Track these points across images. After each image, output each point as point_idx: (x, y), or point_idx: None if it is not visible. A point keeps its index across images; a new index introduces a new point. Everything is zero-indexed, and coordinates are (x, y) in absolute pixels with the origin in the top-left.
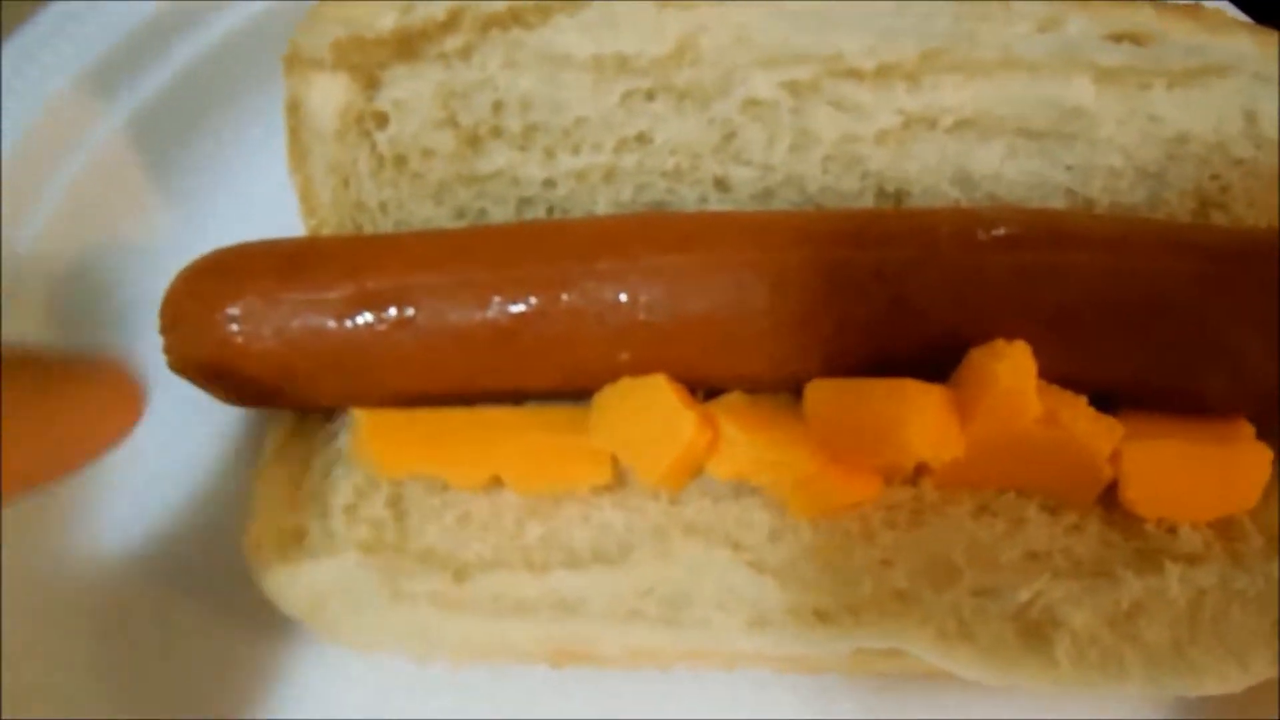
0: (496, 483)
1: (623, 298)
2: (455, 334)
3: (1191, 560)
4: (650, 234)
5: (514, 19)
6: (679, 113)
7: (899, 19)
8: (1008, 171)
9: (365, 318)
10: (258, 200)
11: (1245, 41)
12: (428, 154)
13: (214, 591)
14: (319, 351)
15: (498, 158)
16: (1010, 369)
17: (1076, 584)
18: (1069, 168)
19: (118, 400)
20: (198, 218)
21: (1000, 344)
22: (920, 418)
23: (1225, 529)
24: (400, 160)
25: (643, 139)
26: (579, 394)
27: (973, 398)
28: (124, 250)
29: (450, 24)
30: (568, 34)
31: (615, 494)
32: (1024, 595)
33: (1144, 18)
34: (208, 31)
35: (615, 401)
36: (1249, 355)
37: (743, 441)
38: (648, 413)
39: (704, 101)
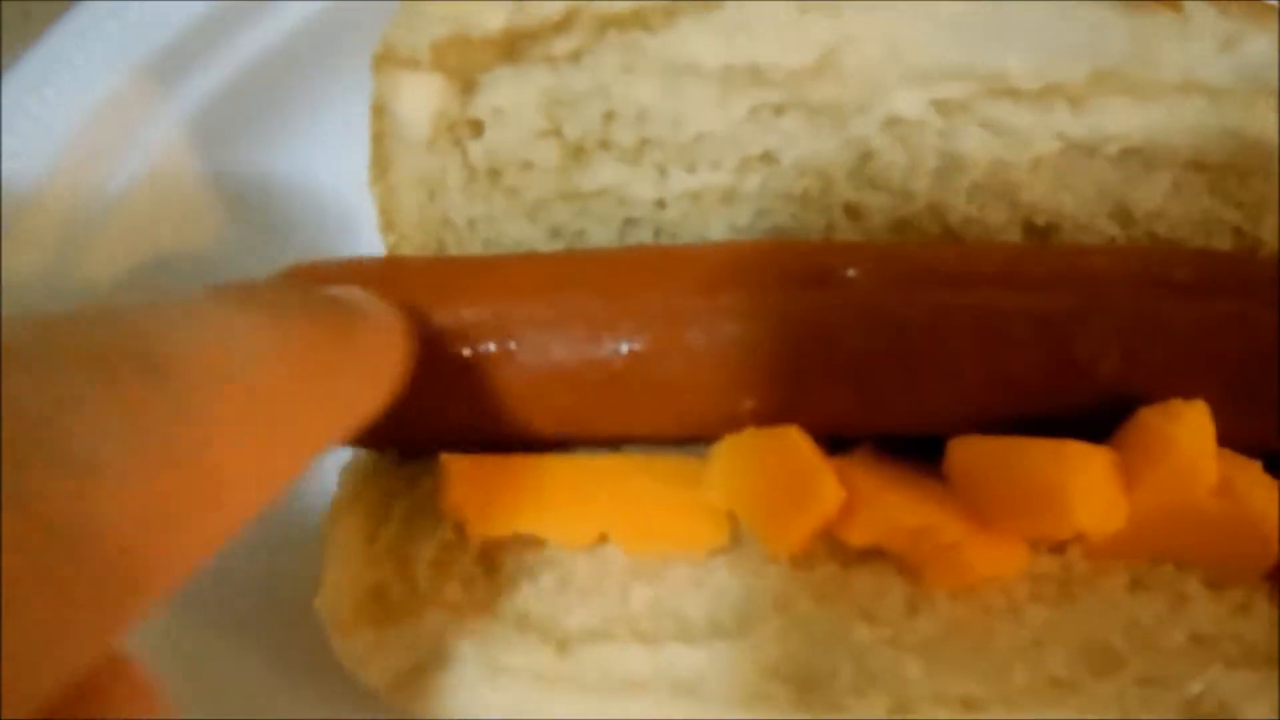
0: (600, 540)
1: (749, 337)
2: (559, 372)
3: None
4: (783, 265)
5: (636, 20)
6: (812, 130)
7: (1070, 33)
8: (1172, 208)
9: (458, 350)
10: (331, 214)
11: None
12: (526, 167)
13: (265, 641)
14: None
15: (604, 173)
16: (1188, 432)
17: (1252, 674)
18: (1240, 205)
19: (391, 345)
20: (264, 232)
21: (1177, 404)
22: (1084, 484)
23: None
24: (495, 173)
25: (768, 158)
26: (689, 442)
27: (1142, 462)
28: (184, 267)
29: (565, 23)
30: (695, 39)
31: (729, 555)
32: (1196, 687)
33: None
34: (276, 24)
35: (738, 454)
36: None
37: (879, 503)
38: (777, 470)
39: (841, 119)
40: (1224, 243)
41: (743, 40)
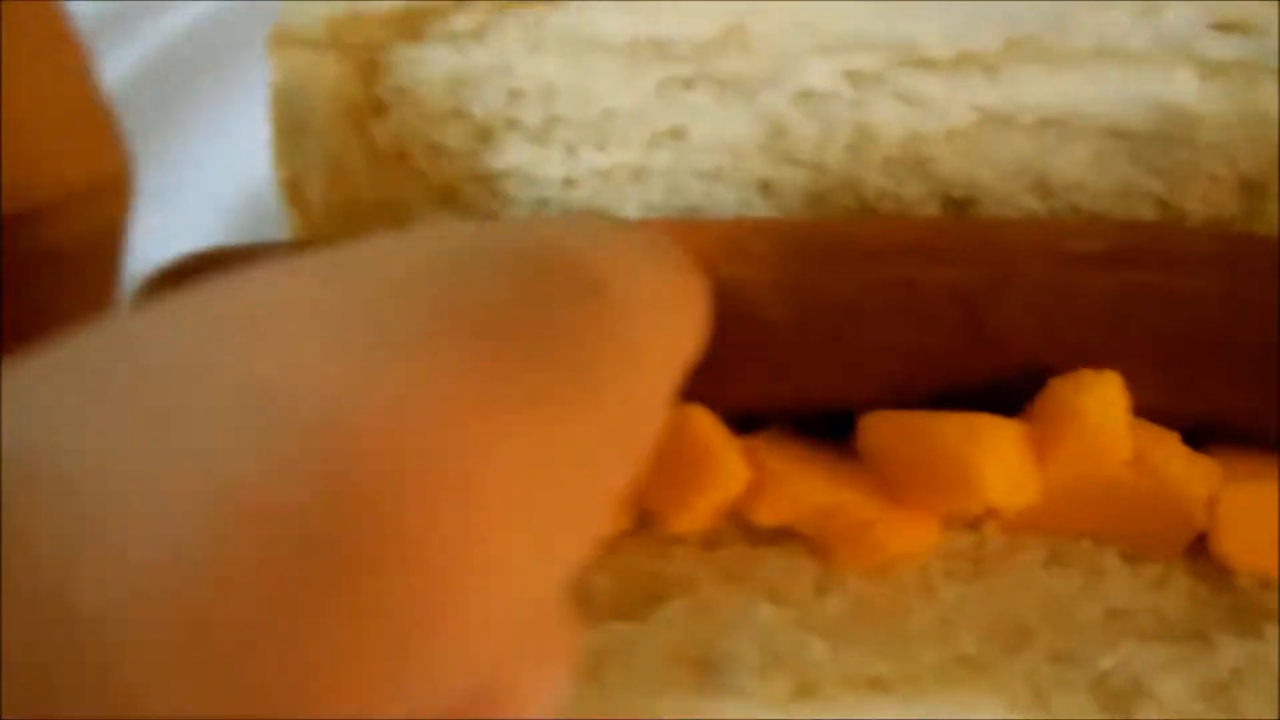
0: None
1: None
2: None
3: None
4: (693, 243)
5: None
6: (721, 105)
7: (985, 2)
8: (1093, 178)
9: None
10: (237, 198)
11: None
12: (433, 148)
13: None
14: None
15: (513, 153)
16: (1099, 403)
17: (1166, 649)
18: (1163, 173)
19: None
20: (166, 217)
21: (1088, 375)
22: (995, 458)
23: None
24: (401, 155)
25: (678, 134)
26: None
27: (1054, 435)
28: None
29: (464, 0)
30: (600, 13)
31: (636, 536)
32: (1107, 662)
33: (1254, 5)
34: (179, 12)
35: None
36: None
37: (792, 484)
38: (681, 449)
39: (751, 92)
40: (1148, 213)
41: (648, 12)
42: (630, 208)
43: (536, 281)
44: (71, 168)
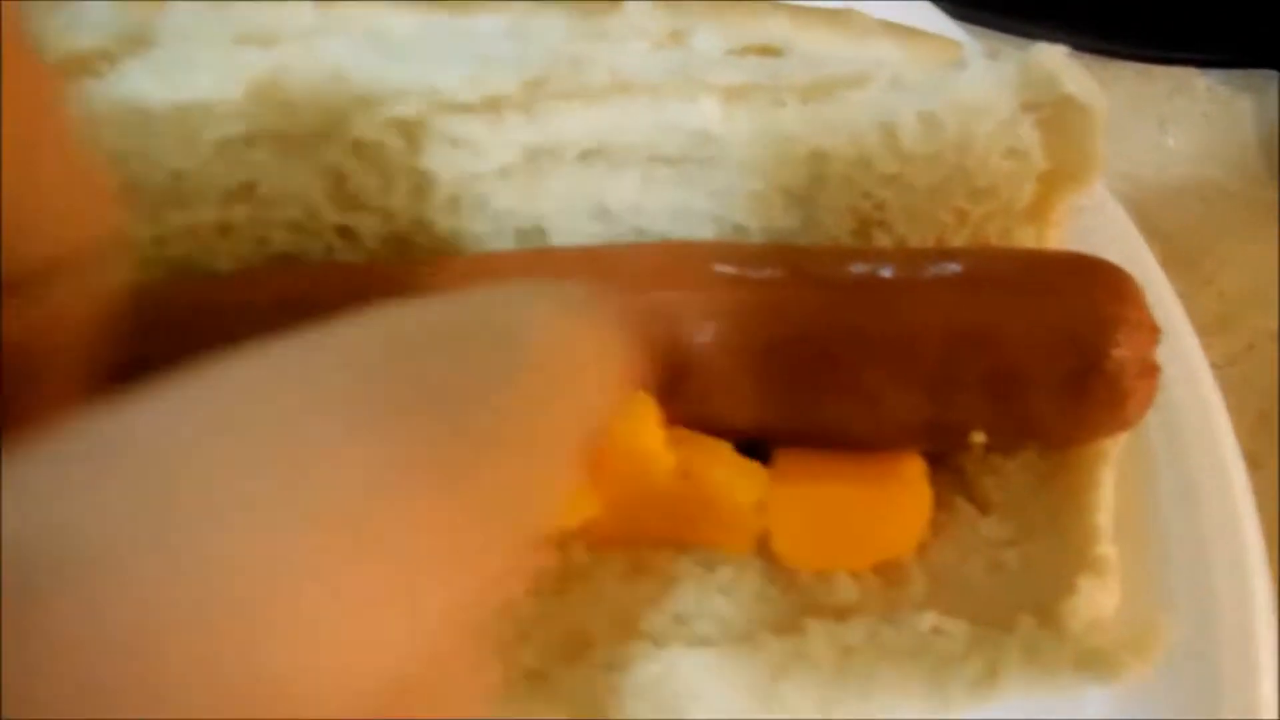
0: None
1: None
2: None
3: (841, 614)
4: (264, 292)
5: (80, 67)
6: (283, 160)
7: (501, 43)
8: (648, 202)
9: None
10: None
11: (888, 48)
12: None
13: None
14: None
15: None
16: (628, 424)
17: (714, 652)
18: (711, 194)
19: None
20: None
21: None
22: None
23: (888, 574)
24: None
25: (249, 189)
26: None
27: (599, 456)
28: None
29: None
30: (141, 80)
31: None
32: (655, 668)
33: (778, 28)
34: None
35: None
36: (883, 390)
37: None
38: None
39: (309, 147)
40: (707, 231)
41: (181, 76)
42: (225, 262)
43: (464, 360)
44: (68, 231)
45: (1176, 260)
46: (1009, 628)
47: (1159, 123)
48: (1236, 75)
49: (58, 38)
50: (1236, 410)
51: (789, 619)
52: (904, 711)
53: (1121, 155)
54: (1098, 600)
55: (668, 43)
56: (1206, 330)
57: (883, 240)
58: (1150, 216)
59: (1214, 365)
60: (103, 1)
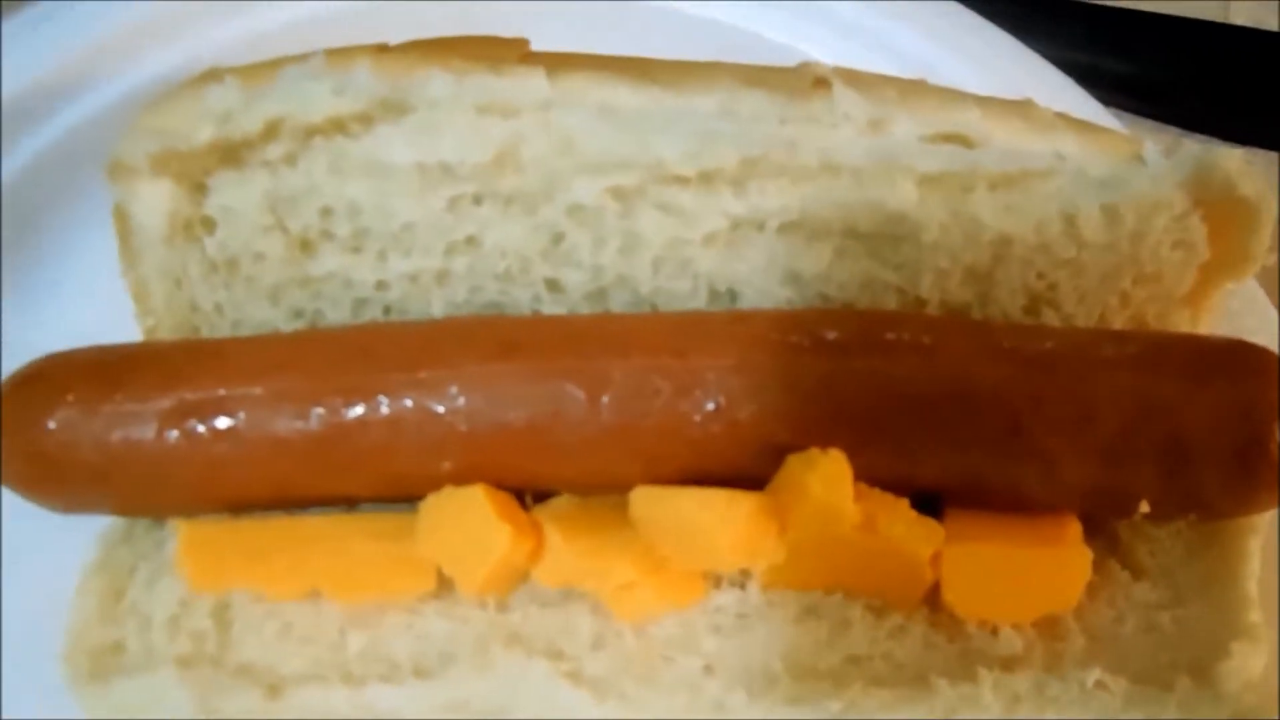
0: (320, 593)
1: (442, 407)
2: (275, 444)
3: (1008, 665)
4: (471, 342)
5: (336, 128)
6: (506, 217)
7: (721, 123)
8: (837, 272)
9: (183, 429)
10: (101, 302)
11: (1069, 141)
12: (258, 258)
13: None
14: (138, 463)
15: (329, 261)
16: (822, 477)
17: (890, 693)
18: (898, 268)
19: None
20: (36, 320)
21: (814, 452)
22: (729, 527)
23: (1048, 629)
24: (231, 264)
25: (472, 242)
26: (409, 500)
27: (789, 505)
28: None
29: (270, 133)
30: (390, 142)
31: (442, 602)
32: (835, 705)
33: (970, 118)
34: (49, 127)
35: (438, 510)
36: (1061, 456)
37: (566, 549)
38: (466, 523)
39: (531, 206)
40: (890, 302)
41: (428, 141)
42: (439, 305)
43: None
44: None
45: None
46: (1168, 686)
47: None
48: None
49: (323, 102)
50: None
51: (959, 666)
52: None
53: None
54: (1250, 663)
55: (869, 130)
56: None
57: (1051, 318)
58: None
59: None
60: (365, 68)
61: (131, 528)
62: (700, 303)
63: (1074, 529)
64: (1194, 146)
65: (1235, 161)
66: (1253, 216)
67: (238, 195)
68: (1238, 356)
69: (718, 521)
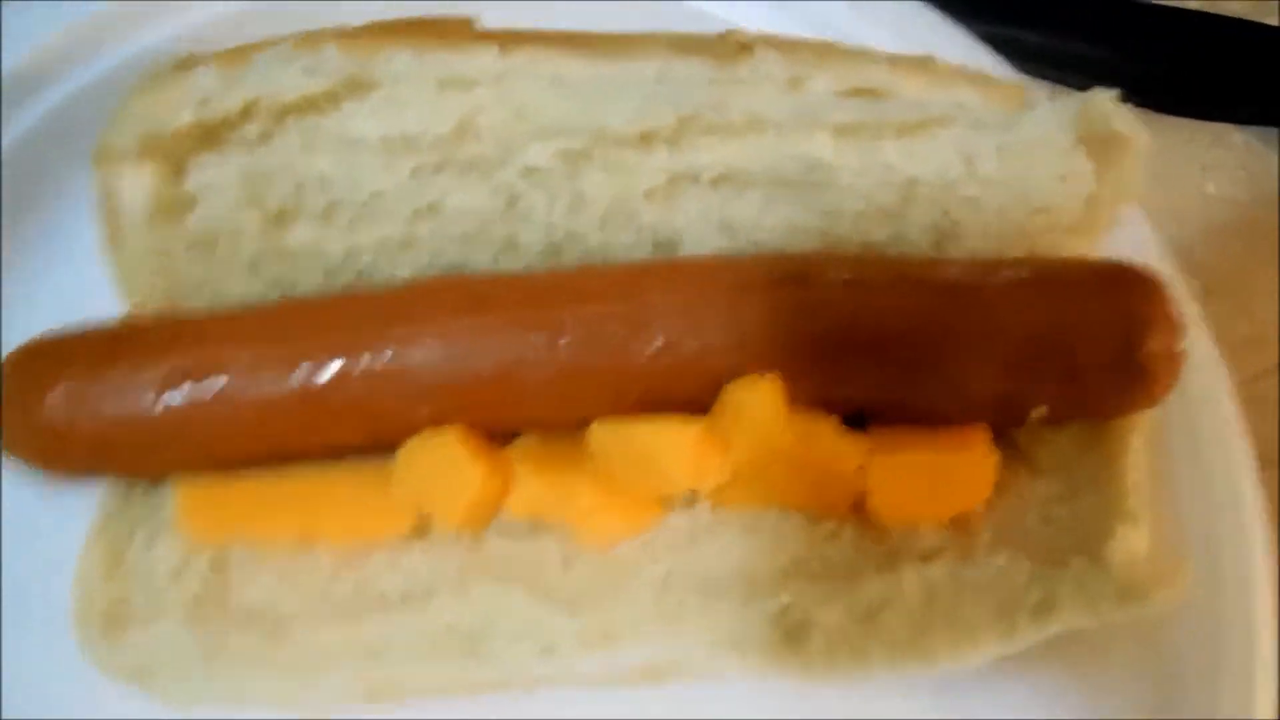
0: (311, 539)
1: (415, 360)
2: (264, 402)
3: (927, 557)
4: (439, 299)
5: (308, 106)
6: (465, 183)
7: (657, 88)
8: (766, 219)
9: (178, 394)
10: (89, 280)
11: (967, 92)
12: (236, 233)
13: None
14: (134, 431)
15: (303, 233)
16: (759, 401)
17: (828, 586)
18: (820, 213)
19: None
20: (29, 300)
21: (752, 378)
22: (677, 452)
23: (960, 527)
24: (211, 239)
25: (434, 208)
26: (390, 447)
27: (730, 428)
28: None
29: (248, 113)
30: (357, 118)
31: (424, 540)
32: (782, 600)
33: (879, 74)
34: (28, 113)
35: (415, 454)
36: (967, 373)
37: (533, 481)
38: (443, 463)
39: (487, 172)
40: (814, 243)
41: (393, 115)
42: (405, 269)
43: None
44: None
45: (1216, 289)
46: (1064, 566)
47: (1201, 171)
48: (1270, 132)
49: (295, 81)
50: (1265, 418)
51: (885, 562)
52: (979, 641)
53: (1167, 200)
54: (1133, 543)
55: (789, 89)
56: (1238, 349)
57: (956, 251)
58: (1193, 251)
59: (1245, 380)
60: (333, 49)
61: (128, 493)
62: (645, 252)
63: (982, 436)
64: (1077, 94)
65: (1110, 102)
66: (1129, 148)
67: (216, 174)
68: (1117, 276)
69: (667, 447)
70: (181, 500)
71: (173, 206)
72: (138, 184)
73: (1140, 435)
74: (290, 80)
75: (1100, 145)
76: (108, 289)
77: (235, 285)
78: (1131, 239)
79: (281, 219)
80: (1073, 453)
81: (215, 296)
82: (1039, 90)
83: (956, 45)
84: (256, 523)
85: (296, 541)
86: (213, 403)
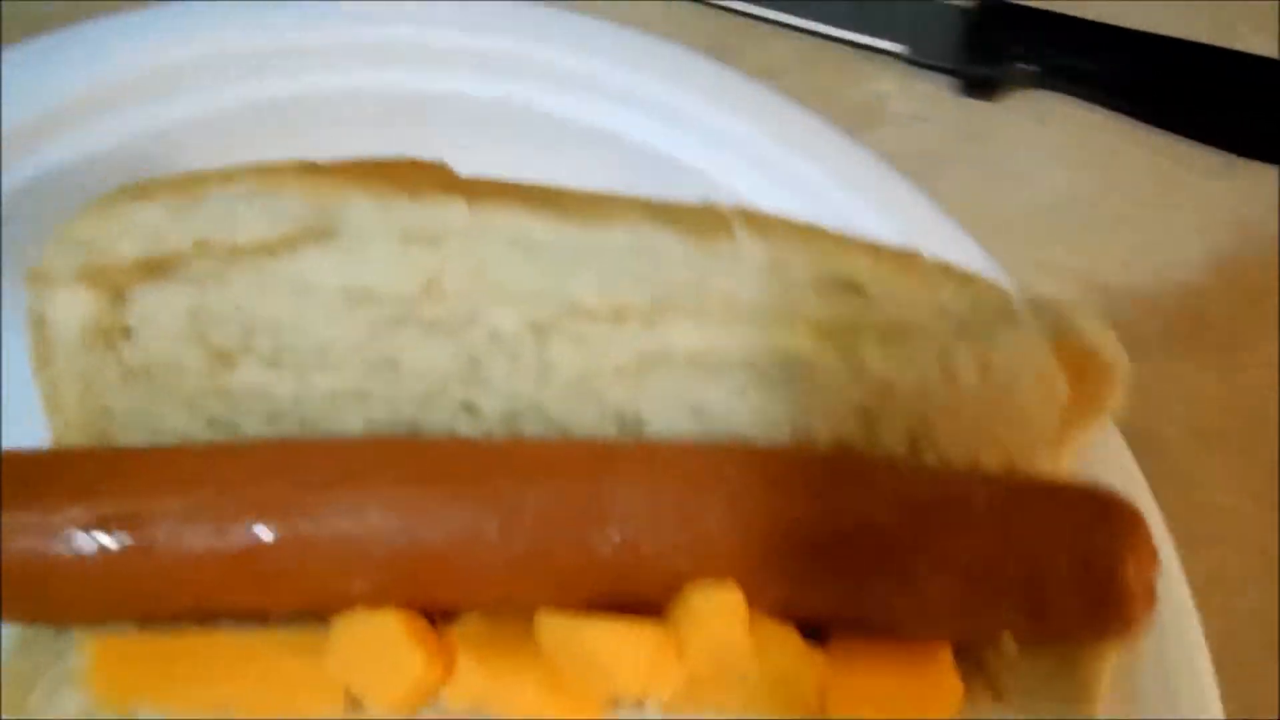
0: (229, 709)
1: (358, 527)
2: (189, 559)
3: None
4: (388, 463)
5: (263, 249)
6: (425, 342)
7: (631, 261)
8: (738, 406)
9: (95, 542)
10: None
11: (950, 295)
12: (177, 367)
13: None
14: (47, 574)
15: (248, 374)
16: (717, 608)
17: None
18: (795, 405)
19: None
20: None
21: (711, 583)
22: (629, 656)
23: None
24: (148, 372)
25: (391, 364)
26: (321, 618)
27: (686, 635)
28: None
29: (197, 253)
30: (316, 265)
31: None
32: None
33: (861, 267)
34: None
35: (350, 632)
36: (934, 592)
37: (475, 671)
38: (379, 646)
39: (450, 332)
40: (783, 436)
41: (354, 267)
42: (355, 422)
43: None
44: None
45: None
46: None
47: None
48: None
49: (250, 225)
50: None
51: None
52: None
53: None
54: None
55: (768, 271)
56: None
57: (929, 456)
58: None
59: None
60: (295, 193)
61: (33, 638)
62: (610, 430)
63: (946, 658)
64: (1058, 304)
65: (1093, 322)
66: (1108, 372)
67: (159, 307)
68: (1091, 503)
69: (619, 651)
70: (88, 655)
71: (109, 334)
72: (72, 308)
73: (1108, 666)
74: (247, 224)
75: (1080, 366)
76: (36, 410)
77: (172, 420)
78: (1109, 460)
79: (226, 358)
80: (1039, 679)
81: (149, 431)
82: (1020, 297)
83: (942, 231)
84: (173, 685)
85: (213, 709)
86: (134, 553)
